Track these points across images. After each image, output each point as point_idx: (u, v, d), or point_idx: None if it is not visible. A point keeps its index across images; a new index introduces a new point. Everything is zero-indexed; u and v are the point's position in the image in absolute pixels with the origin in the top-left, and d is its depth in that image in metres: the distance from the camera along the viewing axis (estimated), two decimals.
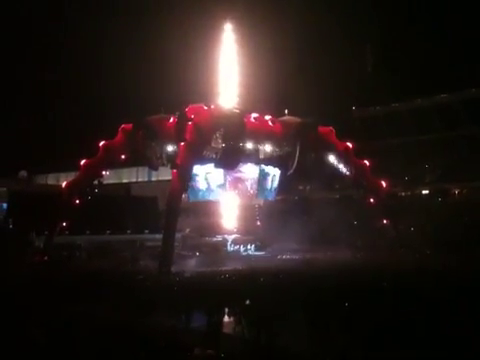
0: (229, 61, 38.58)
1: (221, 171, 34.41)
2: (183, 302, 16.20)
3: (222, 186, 34.94)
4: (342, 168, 35.10)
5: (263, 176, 35.98)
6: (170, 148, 33.44)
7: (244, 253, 36.03)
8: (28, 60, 62.34)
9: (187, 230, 40.04)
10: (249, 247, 36.70)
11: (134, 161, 40.24)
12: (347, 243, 35.23)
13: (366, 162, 34.95)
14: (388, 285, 17.13)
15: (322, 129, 35.00)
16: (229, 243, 36.64)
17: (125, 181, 61.93)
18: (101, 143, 32.86)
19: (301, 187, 52.23)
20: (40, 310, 15.05)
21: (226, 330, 14.15)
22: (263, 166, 35.61)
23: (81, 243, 37.78)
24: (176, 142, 32.14)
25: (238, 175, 35.63)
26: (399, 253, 30.68)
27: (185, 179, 31.00)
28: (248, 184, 36.08)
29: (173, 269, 26.44)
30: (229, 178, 35.20)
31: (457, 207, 40.99)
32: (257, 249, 36.81)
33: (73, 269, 26.24)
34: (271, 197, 37.63)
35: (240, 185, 35.95)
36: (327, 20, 57.23)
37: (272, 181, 36.67)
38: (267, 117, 34.96)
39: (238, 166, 34.13)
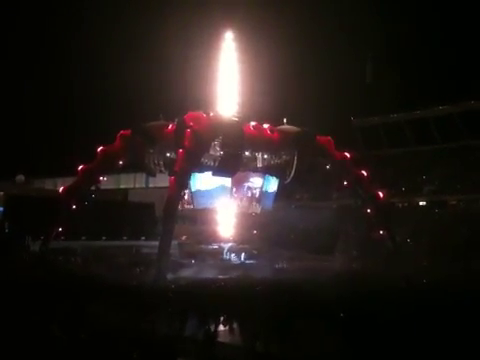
0: (229, 69, 38.64)
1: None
2: (178, 309, 16.09)
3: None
4: (340, 178, 35.08)
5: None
6: (168, 155, 33.44)
7: (239, 261, 35.88)
8: (27, 65, 62.55)
9: (183, 237, 39.87)
10: (245, 256, 36.55)
11: (132, 167, 40.21)
12: (343, 253, 35.11)
13: (364, 172, 34.93)
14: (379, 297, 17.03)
15: (320, 138, 34.96)
16: (225, 251, 36.50)
17: (123, 187, 61.93)
18: (99, 148, 32.73)
19: (298, 196, 52.17)
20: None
21: (221, 338, 14.05)
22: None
23: (77, 248, 37.63)
24: (174, 149, 32.09)
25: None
26: (395, 264, 30.49)
27: (183, 186, 30.95)
28: (254, 192, 36.03)
29: (168, 276, 26.33)
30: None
31: (454, 219, 40.95)
32: (252, 258, 36.65)
33: (68, 273, 26.09)
34: (269, 205, 37.54)
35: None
36: (327, 30, 57.63)
37: (272, 190, 36.61)
38: (265, 126, 34.95)
39: (236, 174, 34.04)
